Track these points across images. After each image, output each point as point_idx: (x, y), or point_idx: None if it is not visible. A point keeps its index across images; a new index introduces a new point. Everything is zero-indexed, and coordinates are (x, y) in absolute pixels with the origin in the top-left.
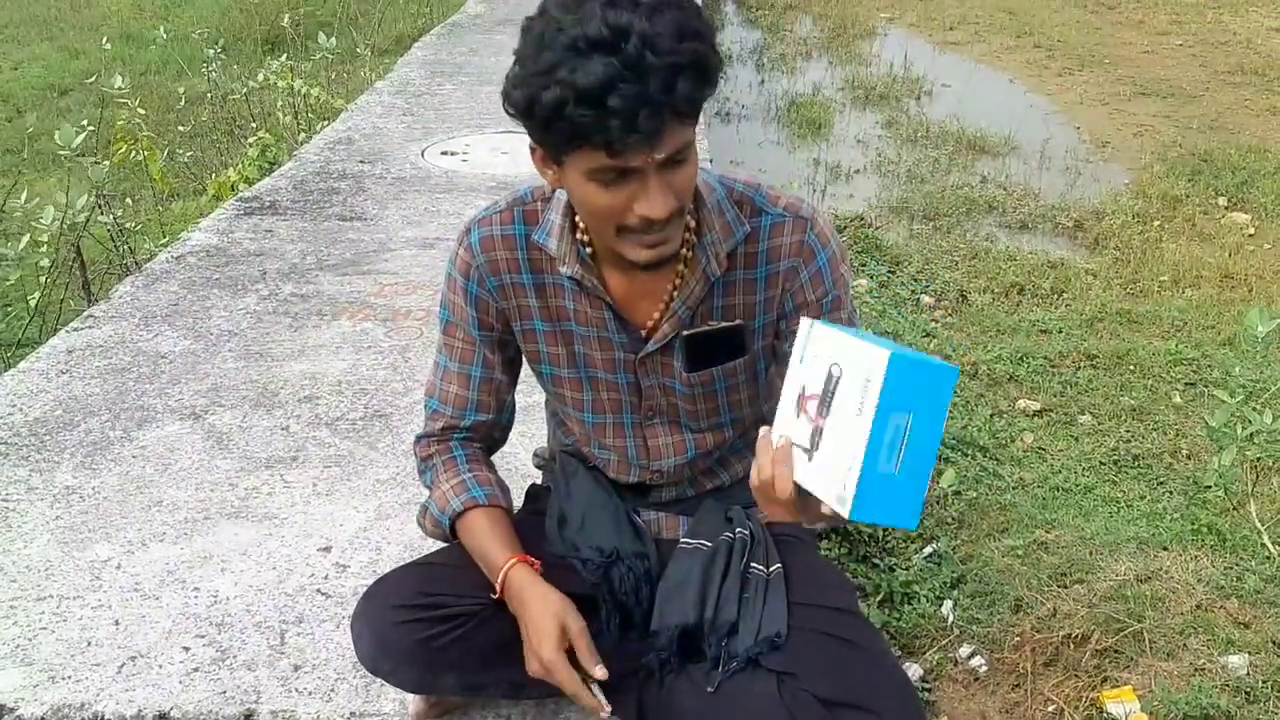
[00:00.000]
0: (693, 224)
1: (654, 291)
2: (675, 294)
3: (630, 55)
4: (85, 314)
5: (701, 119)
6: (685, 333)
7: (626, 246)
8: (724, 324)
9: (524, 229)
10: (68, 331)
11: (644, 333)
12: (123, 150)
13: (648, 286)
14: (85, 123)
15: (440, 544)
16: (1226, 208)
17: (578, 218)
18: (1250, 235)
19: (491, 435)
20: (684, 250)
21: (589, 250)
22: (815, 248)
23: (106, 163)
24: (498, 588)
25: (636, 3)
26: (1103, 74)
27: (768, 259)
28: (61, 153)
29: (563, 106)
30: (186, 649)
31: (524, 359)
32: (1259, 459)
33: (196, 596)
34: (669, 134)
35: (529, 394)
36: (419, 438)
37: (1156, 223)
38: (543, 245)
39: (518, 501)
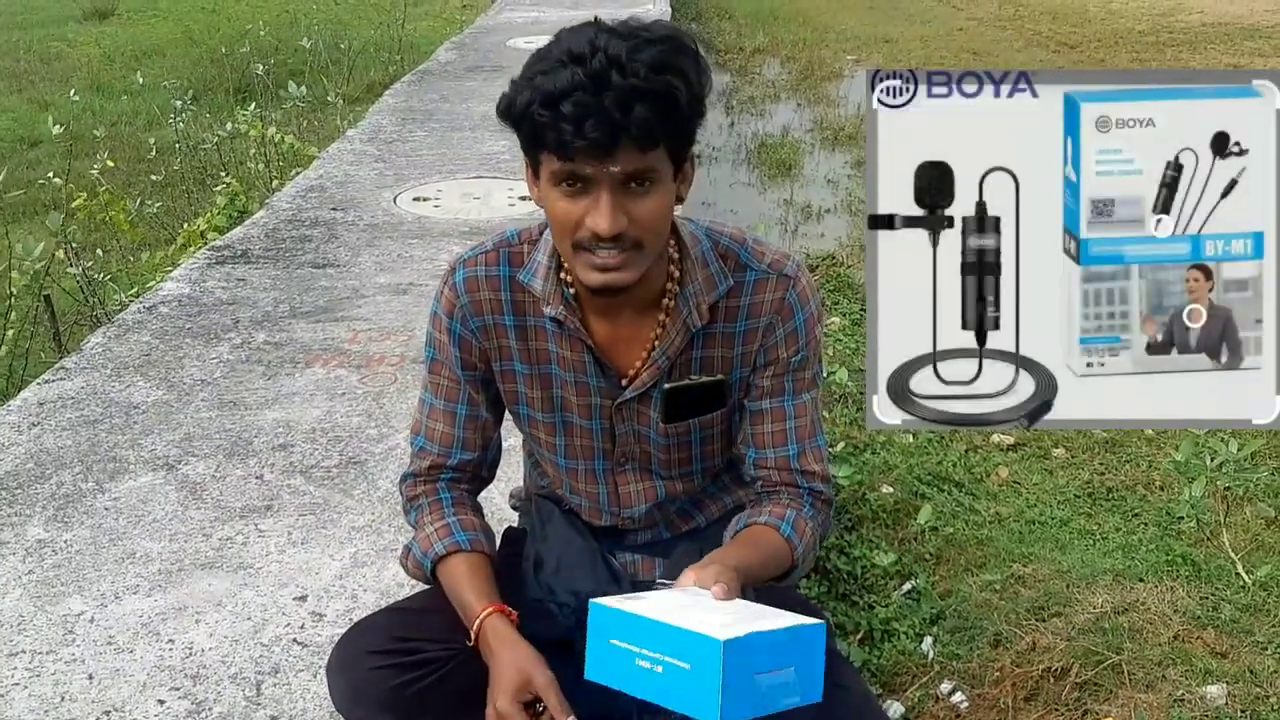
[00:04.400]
0: (676, 274)
1: (635, 338)
2: (656, 343)
3: (594, 69)
4: (56, 366)
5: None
6: (666, 386)
7: (580, 266)
8: (706, 378)
9: (509, 270)
10: (39, 384)
11: (623, 380)
12: (83, 202)
13: (629, 333)
14: (51, 175)
15: (418, 586)
16: None
17: (563, 258)
18: None
19: (479, 474)
20: (666, 300)
21: (573, 292)
22: (795, 306)
23: (62, 213)
24: (473, 636)
25: (634, 34)
26: None
27: (748, 314)
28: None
29: (529, 107)
30: (161, 702)
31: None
32: (1228, 489)
33: (171, 649)
34: (623, 153)
35: (505, 436)
36: (405, 476)
37: None
38: (527, 285)
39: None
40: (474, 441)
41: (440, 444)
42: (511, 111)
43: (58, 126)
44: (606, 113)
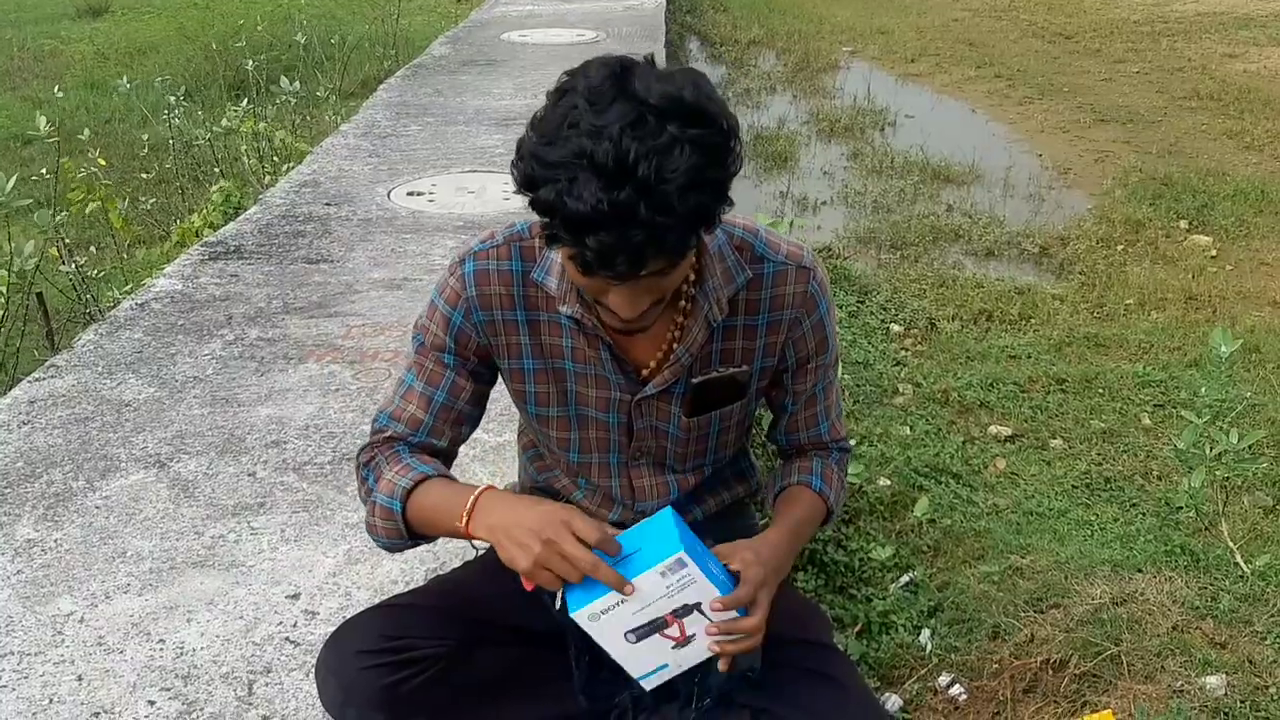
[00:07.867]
0: (693, 274)
1: (653, 333)
2: (677, 342)
3: (622, 202)
4: (48, 363)
5: None
6: (694, 380)
7: (604, 312)
8: (731, 371)
9: (521, 265)
10: (29, 381)
11: (641, 376)
12: (79, 199)
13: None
14: (45, 171)
15: (411, 584)
16: (1188, 231)
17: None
18: (1212, 257)
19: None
20: (683, 301)
21: None
22: (817, 298)
23: (51, 210)
24: (465, 524)
25: (662, 127)
26: (1062, 102)
27: (770, 306)
28: None
29: (552, 211)
30: (152, 703)
31: (508, 397)
32: (1228, 479)
33: (162, 648)
34: (649, 268)
35: (499, 433)
36: (360, 450)
37: (1120, 247)
38: (542, 283)
39: None
40: (442, 432)
41: (407, 425)
42: (535, 200)
43: (101, 160)
44: (633, 245)
